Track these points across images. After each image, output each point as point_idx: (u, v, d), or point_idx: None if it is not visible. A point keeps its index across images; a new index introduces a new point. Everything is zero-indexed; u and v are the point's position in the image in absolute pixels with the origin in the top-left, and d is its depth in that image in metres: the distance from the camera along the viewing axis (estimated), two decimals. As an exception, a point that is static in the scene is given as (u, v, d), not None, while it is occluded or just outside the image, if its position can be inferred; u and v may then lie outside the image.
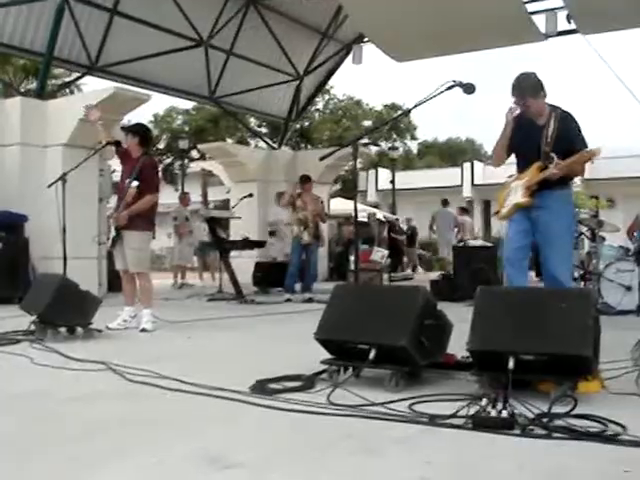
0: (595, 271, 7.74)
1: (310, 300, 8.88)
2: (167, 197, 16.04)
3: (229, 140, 26.85)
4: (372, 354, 3.31)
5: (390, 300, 3.64)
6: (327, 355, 3.60)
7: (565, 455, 2.31)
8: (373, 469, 2.22)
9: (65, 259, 6.20)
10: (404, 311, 3.44)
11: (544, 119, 4.46)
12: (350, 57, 14.63)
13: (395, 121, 33.02)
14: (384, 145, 33.59)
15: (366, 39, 13.40)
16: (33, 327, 5.23)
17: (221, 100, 14.43)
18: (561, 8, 11.08)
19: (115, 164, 7.62)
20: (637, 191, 23.11)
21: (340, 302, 3.77)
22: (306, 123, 30.07)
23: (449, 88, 4.08)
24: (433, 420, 2.69)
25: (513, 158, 4.75)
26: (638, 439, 2.39)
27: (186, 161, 29.03)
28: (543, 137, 4.42)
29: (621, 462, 2.20)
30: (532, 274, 9.44)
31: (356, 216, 4.72)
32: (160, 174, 7.82)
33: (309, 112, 25.03)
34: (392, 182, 26.09)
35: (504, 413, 2.60)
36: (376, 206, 25.68)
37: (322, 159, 5.23)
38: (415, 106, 4.47)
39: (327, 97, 32.70)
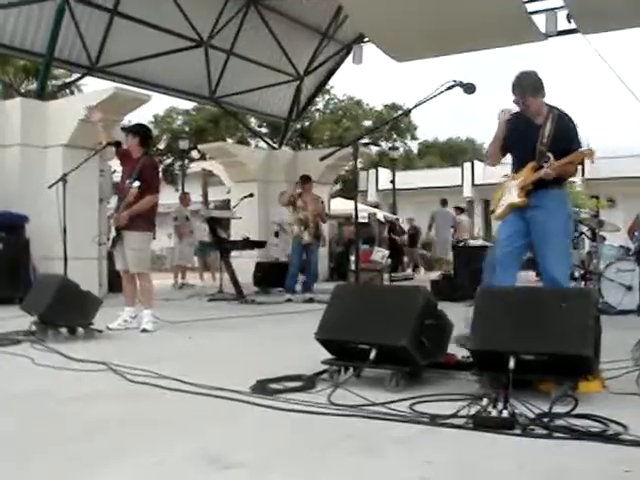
0: (596, 271, 7.74)
1: (311, 300, 8.88)
2: (167, 197, 16.05)
3: (229, 140, 26.86)
4: (373, 354, 3.31)
5: (391, 300, 3.64)
6: (328, 355, 3.60)
7: (566, 455, 2.31)
8: (373, 469, 2.22)
9: (66, 259, 6.20)
10: (405, 311, 3.44)
11: (542, 119, 4.46)
12: (350, 57, 14.63)
13: (395, 121, 33.04)
14: (384, 145, 33.60)
15: (366, 39, 13.40)
16: (34, 327, 5.23)
17: (221, 100, 14.43)
18: (561, 8, 11.08)
19: (115, 165, 7.62)
20: (637, 191, 23.10)
21: (341, 302, 3.77)
22: (306, 123, 30.09)
23: (449, 88, 4.08)
24: (434, 420, 2.69)
25: (508, 157, 4.75)
26: (639, 439, 2.39)
27: (186, 161, 29.03)
28: (539, 137, 4.41)
29: (622, 462, 2.20)
30: (532, 274, 9.43)
31: (356, 216, 4.72)
32: (160, 174, 7.83)
33: (309, 112, 25.03)
34: (392, 182, 26.10)
35: (505, 413, 2.60)
36: (376, 206, 25.67)
37: (322, 159, 5.23)
38: (415, 106, 4.47)
39: (327, 97, 32.74)
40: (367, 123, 32.95)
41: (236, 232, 12.78)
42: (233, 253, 10.21)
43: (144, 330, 5.80)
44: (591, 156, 4.51)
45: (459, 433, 2.56)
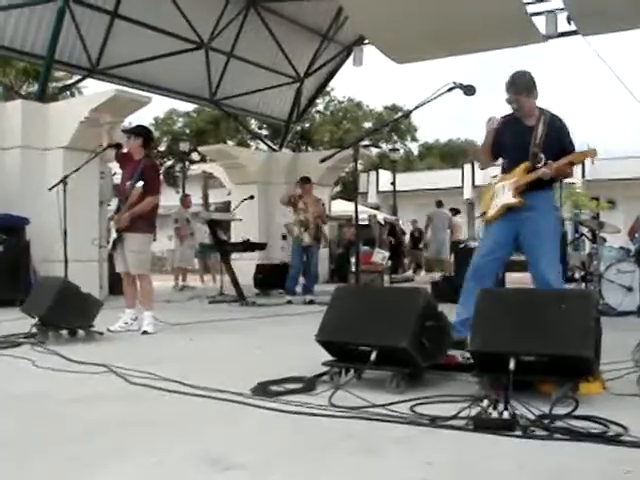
0: (596, 272, 7.73)
1: (311, 302, 8.89)
2: (168, 199, 16.06)
3: (230, 142, 26.89)
4: (373, 356, 3.31)
5: (391, 302, 3.64)
6: (328, 357, 3.60)
7: (566, 456, 2.31)
8: (374, 470, 2.22)
9: (66, 262, 6.20)
10: (405, 313, 3.44)
11: (533, 120, 4.47)
12: (350, 59, 14.64)
13: (396, 123, 33.07)
14: (385, 147, 33.63)
15: (366, 41, 13.40)
16: (34, 330, 5.23)
17: (222, 102, 14.44)
18: (561, 9, 11.09)
19: (116, 167, 7.62)
20: (638, 192, 23.12)
21: (341, 304, 3.77)
22: (307, 125, 30.11)
23: (449, 90, 4.08)
24: (434, 421, 2.69)
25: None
26: (639, 440, 2.39)
27: (187, 163, 29.06)
28: (532, 138, 4.41)
29: (622, 463, 2.20)
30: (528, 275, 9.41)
31: (357, 218, 4.72)
32: (161, 176, 7.83)
33: (310, 114, 25.04)
34: (393, 184, 26.12)
35: (505, 414, 2.60)
36: (377, 208, 25.69)
37: (323, 161, 5.23)
38: (415, 108, 4.47)
39: (328, 99, 32.78)
40: (367, 125, 33.00)
41: (236, 234, 12.78)
42: (233, 255, 10.21)
43: (145, 332, 5.80)
44: (593, 155, 4.52)
45: (459, 434, 2.56)
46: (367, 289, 6.10)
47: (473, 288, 4.44)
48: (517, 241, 4.56)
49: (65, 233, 6.23)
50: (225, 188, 17.21)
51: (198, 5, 12.22)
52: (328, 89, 26.46)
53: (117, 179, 7.60)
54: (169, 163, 31.56)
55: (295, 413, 2.89)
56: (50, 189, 6.42)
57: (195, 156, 28.35)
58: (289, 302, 9.12)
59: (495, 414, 2.61)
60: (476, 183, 30.19)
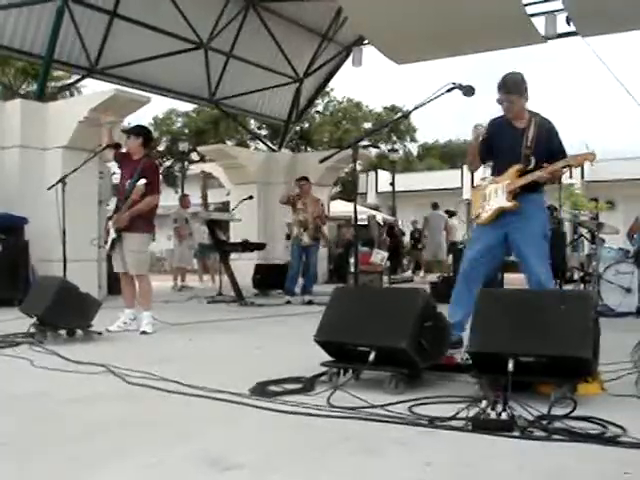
0: (595, 273, 7.74)
1: (310, 302, 8.89)
2: (167, 199, 16.04)
3: (229, 142, 26.89)
4: (372, 356, 3.32)
5: (390, 302, 3.64)
6: (327, 357, 3.61)
7: (565, 457, 2.31)
8: (373, 470, 2.23)
9: (65, 261, 6.20)
10: (404, 313, 3.44)
11: (524, 123, 4.46)
12: (350, 59, 14.64)
13: (395, 123, 33.07)
14: (384, 147, 33.64)
15: (366, 41, 13.41)
16: (33, 329, 5.22)
17: (221, 102, 14.45)
18: (560, 10, 11.09)
19: (115, 166, 7.62)
20: (637, 193, 23.11)
21: (340, 304, 3.77)
22: (306, 125, 30.11)
23: (449, 90, 4.08)
24: (433, 422, 2.70)
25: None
26: (638, 441, 2.40)
27: (186, 163, 29.07)
28: (524, 140, 4.41)
29: (621, 464, 2.20)
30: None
31: (356, 218, 4.72)
32: (160, 176, 7.82)
33: (309, 114, 25.03)
34: (392, 184, 26.12)
35: (504, 415, 2.60)
36: (376, 208, 25.68)
37: (322, 161, 5.23)
38: (415, 108, 4.47)
39: (327, 99, 32.79)
40: (367, 125, 33.01)
41: (235, 234, 12.78)
42: (232, 255, 10.21)
43: (143, 332, 5.80)
44: (592, 159, 4.52)
45: (458, 435, 2.57)
46: (366, 289, 6.10)
47: (463, 291, 4.49)
48: (506, 243, 4.57)
49: (64, 233, 6.23)
50: (224, 188, 17.20)
51: (197, 5, 12.22)
52: (327, 89, 26.48)
53: (116, 179, 7.61)
54: (168, 163, 31.57)
55: (294, 413, 2.90)
56: (49, 189, 6.42)
57: (194, 156, 28.35)
58: (288, 302, 9.12)
59: (494, 415, 2.61)
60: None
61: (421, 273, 16.35)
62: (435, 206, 16.18)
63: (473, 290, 4.47)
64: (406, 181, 29.93)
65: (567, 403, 2.79)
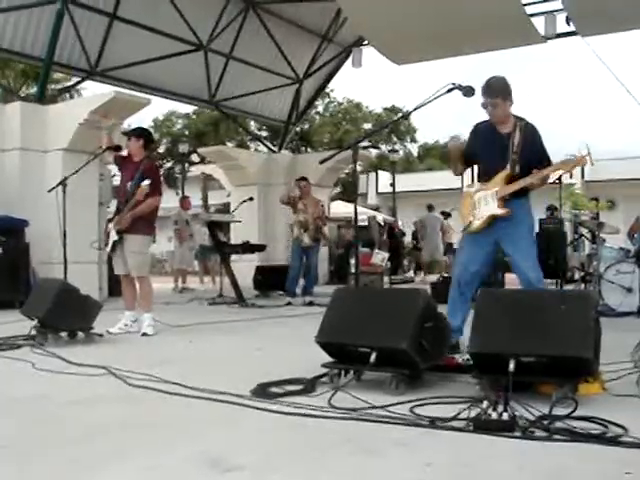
0: (595, 273, 7.74)
1: (311, 303, 8.89)
2: (168, 201, 16.01)
3: (229, 144, 26.89)
4: (373, 357, 3.31)
5: (391, 303, 3.64)
6: (328, 358, 3.60)
7: (566, 457, 2.31)
8: (374, 470, 2.22)
9: (65, 263, 6.20)
10: (405, 314, 3.44)
11: (509, 127, 4.45)
12: (350, 60, 14.65)
13: (395, 124, 33.06)
14: (384, 148, 33.63)
15: (366, 42, 13.41)
16: (34, 332, 5.23)
17: (221, 104, 14.46)
18: (560, 10, 11.10)
19: (115, 168, 7.62)
20: (637, 193, 23.09)
21: (341, 305, 3.77)
22: (306, 126, 30.11)
23: (448, 91, 4.08)
24: (434, 423, 2.70)
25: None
26: (639, 441, 2.39)
27: (186, 165, 29.07)
28: (510, 145, 4.39)
29: (622, 464, 2.20)
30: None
31: (356, 219, 4.71)
32: (161, 178, 7.83)
33: (309, 115, 25.05)
34: (392, 185, 26.11)
35: (505, 415, 2.60)
36: (376, 209, 25.69)
37: (322, 162, 5.23)
38: (415, 109, 4.47)
39: (327, 100, 32.78)
40: (367, 126, 33.00)
41: (236, 236, 12.78)
42: (233, 257, 10.21)
43: (144, 334, 5.80)
44: (584, 163, 4.52)
45: (459, 435, 2.56)
46: (366, 290, 6.10)
47: (457, 299, 4.52)
48: (497, 246, 4.58)
49: (64, 235, 6.23)
50: (225, 190, 17.22)
51: (197, 7, 12.23)
52: (327, 90, 26.45)
53: (116, 181, 7.61)
54: (168, 165, 31.57)
55: (295, 414, 2.89)
56: (49, 191, 6.43)
57: (195, 158, 28.38)
58: (289, 303, 9.12)
59: (495, 415, 2.61)
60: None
61: (421, 274, 16.38)
62: (430, 208, 16.35)
63: (467, 295, 4.50)
64: (406, 182, 29.90)
65: (568, 403, 2.79)
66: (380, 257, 12.21)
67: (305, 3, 13.14)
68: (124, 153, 6.37)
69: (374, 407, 2.95)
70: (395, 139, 35.66)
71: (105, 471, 2.23)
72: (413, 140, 37.38)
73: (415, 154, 39.40)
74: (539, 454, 2.35)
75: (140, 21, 11.74)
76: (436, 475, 2.18)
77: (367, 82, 60.25)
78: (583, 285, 8.73)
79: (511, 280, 8.52)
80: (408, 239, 19.94)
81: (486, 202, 4.47)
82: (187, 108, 29.24)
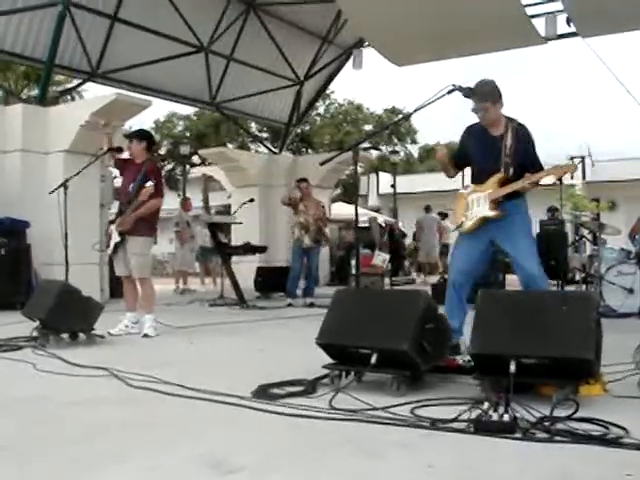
0: (597, 274, 7.73)
1: (312, 305, 8.89)
2: (169, 202, 16.04)
3: (230, 145, 26.90)
4: (374, 358, 3.31)
5: (391, 304, 3.64)
6: (329, 360, 3.60)
7: (567, 458, 2.31)
8: (374, 472, 2.22)
9: (67, 265, 6.21)
10: (405, 315, 3.44)
11: (500, 130, 4.44)
12: (350, 62, 14.65)
13: (396, 125, 33.06)
14: (385, 149, 33.63)
15: (366, 43, 13.42)
16: (35, 333, 5.23)
17: (222, 105, 14.46)
18: (561, 11, 11.10)
19: (116, 170, 7.63)
20: (638, 193, 23.09)
21: (341, 307, 3.77)
22: (307, 128, 30.12)
23: (449, 92, 4.08)
24: (435, 424, 2.70)
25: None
26: (640, 442, 2.39)
27: (187, 166, 29.08)
28: (502, 148, 4.39)
29: (623, 465, 2.20)
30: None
31: (357, 220, 4.72)
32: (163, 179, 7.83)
33: (310, 117, 25.06)
34: (393, 186, 26.11)
35: (506, 417, 2.60)
36: (377, 210, 25.68)
37: (323, 164, 5.24)
38: (415, 110, 4.48)
39: (328, 102, 32.77)
40: (367, 127, 33.00)
41: (237, 237, 12.78)
42: (234, 258, 10.22)
43: (145, 335, 5.80)
44: (573, 170, 4.53)
45: (460, 437, 2.56)
46: (367, 292, 6.10)
47: (454, 301, 4.52)
48: (494, 246, 4.58)
49: (66, 236, 6.24)
50: (225, 191, 17.22)
51: (198, 9, 12.23)
52: (328, 92, 26.42)
53: (118, 182, 7.61)
54: (169, 166, 31.58)
55: (296, 416, 2.89)
56: (51, 192, 6.43)
57: (195, 159, 28.38)
58: (290, 305, 9.12)
59: (496, 417, 2.61)
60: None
61: (422, 275, 16.39)
62: (428, 209, 16.50)
63: (463, 297, 4.50)
64: (407, 183, 29.90)
65: (569, 405, 2.79)
66: (381, 258, 12.22)
67: (306, 5, 13.14)
68: (125, 156, 6.38)
69: (375, 408, 2.94)
70: (396, 140, 35.64)
71: (105, 471, 2.23)
72: (414, 141, 37.36)
73: (416, 155, 39.38)
74: (540, 456, 2.35)
75: (141, 23, 11.74)
76: (437, 477, 2.18)
77: (368, 83, 60.16)
78: (584, 286, 8.73)
79: (512, 281, 8.53)
80: (409, 240, 19.95)
81: (478, 204, 4.49)
82: (188, 110, 29.28)
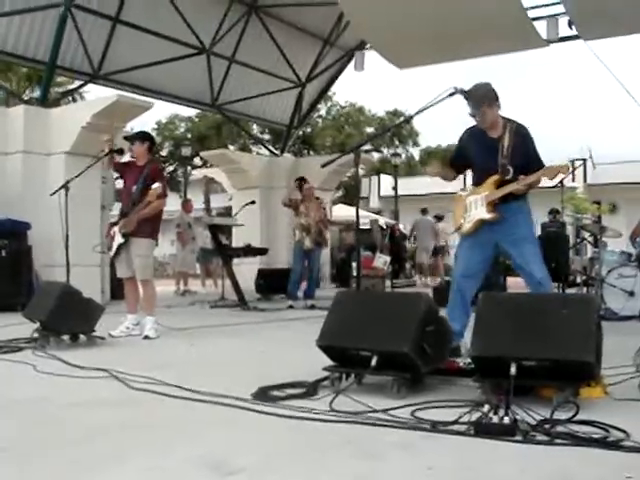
0: (597, 277, 7.73)
1: (313, 307, 8.89)
2: (170, 204, 16.03)
3: (231, 147, 26.93)
4: (374, 361, 3.31)
5: (392, 306, 3.64)
6: (329, 362, 3.60)
7: (567, 461, 2.31)
8: (374, 474, 2.22)
9: (68, 266, 6.21)
10: (406, 317, 3.44)
11: (499, 131, 4.43)
12: (352, 64, 14.65)
13: (397, 127, 33.08)
14: (386, 151, 33.64)
15: (368, 45, 13.43)
16: (36, 334, 5.23)
17: (223, 107, 14.47)
18: (562, 14, 11.10)
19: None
20: (639, 196, 23.10)
21: (342, 309, 3.77)
22: (308, 130, 30.13)
23: (450, 95, 4.09)
24: (435, 426, 2.69)
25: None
26: (640, 445, 2.39)
27: (189, 168, 29.10)
28: (499, 149, 4.38)
29: (623, 468, 2.19)
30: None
31: (358, 223, 4.72)
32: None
33: (311, 119, 25.06)
34: (395, 188, 26.11)
35: (506, 419, 2.59)
36: (378, 212, 25.69)
37: (324, 166, 5.24)
38: (416, 113, 4.49)
39: (329, 104, 32.79)
40: (369, 130, 33.01)
41: (238, 239, 12.79)
42: (235, 260, 10.22)
43: (146, 337, 5.80)
44: (566, 172, 4.53)
45: (461, 439, 2.56)
46: (368, 294, 6.10)
47: (457, 303, 4.51)
48: (498, 249, 4.58)
49: (67, 238, 6.24)
50: (227, 193, 17.23)
51: (199, 10, 12.25)
52: (330, 94, 26.45)
53: (119, 184, 7.61)
54: (171, 168, 31.60)
55: (296, 418, 2.89)
56: (52, 194, 6.44)
57: (197, 161, 28.40)
58: (290, 307, 9.12)
59: (496, 419, 2.61)
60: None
61: (423, 277, 16.42)
62: (424, 211, 16.68)
63: (467, 299, 4.49)
64: (408, 185, 29.89)
65: (569, 407, 2.78)
66: (382, 260, 12.21)
67: (307, 7, 13.15)
68: (125, 159, 6.39)
69: (375, 411, 2.94)
70: (397, 143, 35.65)
71: (105, 472, 2.23)
72: (415, 144, 37.37)
73: (417, 158, 39.38)
74: (540, 458, 2.35)
75: (143, 25, 11.75)
76: (438, 478, 2.18)
77: (369, 86, 60.19)
78: (585, 289, 8.72)
79: (513, 283, 8.53)
80: (412, 243, 19.96)
81: (476, 206, 4.49)
82: (190, 111, 29.30)
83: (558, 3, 10.84)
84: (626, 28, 10.45)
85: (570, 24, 11.01)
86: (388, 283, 12.59)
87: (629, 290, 7.27)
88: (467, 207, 4.56)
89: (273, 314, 8.32)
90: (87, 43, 11.18)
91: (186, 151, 26.27)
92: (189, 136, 31.58)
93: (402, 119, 30.93)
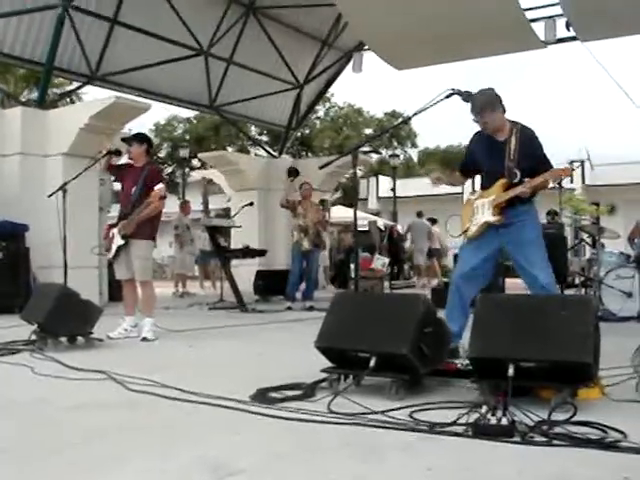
0: (596, 278, 7.74)
1: (311, 308, 8.88)
2: (168, 206, 16.00)
3: (229, 149, 26.94)
4: (372, 362, 3.31)
5: (390, 308, 3.64)
6: (328, 363, 3.60)
7: (565, 462, 2.31)
8: (373, 475, 2.22)
9: (66, 268, 6.20)
10: (405, 319, 3.44)
11: (505, 135, 4.44)
12: (350, 65, 14.66)
13: (396, 129, 33.12)
14: (385, 153, 33.66)
15: (366, 47, 13.43)
16: (34, 336, 5.22)
17: (221, 109, 14.47)
18: (560, 15, 11.12)
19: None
20: (637, 197, 23.13)
21: (340, 310, 3.77)
22: (307, 131, 30.15)
23: (448, 96, 4.10)
24: (433, 428, 2.69)
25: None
26: (638, 446, 2.39)
27: (187, 170, 29.10)
28: (506, 153, 4.39)
29: (621, 469, 2.20)
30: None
31: (356, 224, 4.72)
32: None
33: (309, 120, 25.08)
34: (393, 190, 26.13)
35: (504, 420, 2.60)
36: (377, 214, 25.71)
37: (322, 167, 5.24)
38: (414, 114, 4.50)
39: (328, 105, 32.83)
40: (367, 131, 33.04)
41: (236, 240, 12.79)
42: (234, 261, 10.22)
43: (144, 339, 5.80)
44: (569, 173, 4.52)
45: (459, 440, 2.56)
46: (366, 295, 6.10)
47: (456, 305, 4.51)
48: (502, 253, 4.58)
49: (64, 240, 6.24)
50: (225, 194, 17.22)
51: (197, 12, 12.25)
52: (328, 95, 26.53)
53: (117, 185, 7.60)
54: (169, 169, 31.61)
55: (295, 419, 2.89)
56: (50, 196, 6.44)
57: (195, 162, 28.41)
58: (289, 308, 9.12)
59: (494, 420, 2.61)
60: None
61: (422, 279, 16.43)
62: (419, 214, 16.85)
63: (466, 300, 4.49)
64: (407, 186, 29.90)
65: (567, 408, 2.79)
66: (381, 262, 12.22)
67: (305, 8, 13.16)
68: (123, 161, 6.38)
69: (374, 412, 2.94)
70: (396, 144, 35.69)
71: (104, 475, 2.23)
72: (414, 145, 37.41)
73: (415, 159, 39.41)
74: (538, 459, 2.35)
75: (141, 26, 11.75)
76: (437, 479, 2.18)
77: (368, 87, 60.31)
78: (583, 290, 8.73)
79: (512, 285, 8.53)
80: (408, 244, 20.00)
81: (483, 210, 4.50)
82: (188, 113, 29.32)
83: (556, 4, 10.87)
84: (624, 29, 10.48)
85: (568, 25, 11.03)
86: (386, 284, 12.60)
87: (627, 291, 7.28)
88: (474, 211, 4.56)
89: (271, 316, 8.31)
90: (85, 44, 11.17)
91: (184, 153, 26.30)
92: (187, 137, 31.60)
93: (400, 120, 30.93)
